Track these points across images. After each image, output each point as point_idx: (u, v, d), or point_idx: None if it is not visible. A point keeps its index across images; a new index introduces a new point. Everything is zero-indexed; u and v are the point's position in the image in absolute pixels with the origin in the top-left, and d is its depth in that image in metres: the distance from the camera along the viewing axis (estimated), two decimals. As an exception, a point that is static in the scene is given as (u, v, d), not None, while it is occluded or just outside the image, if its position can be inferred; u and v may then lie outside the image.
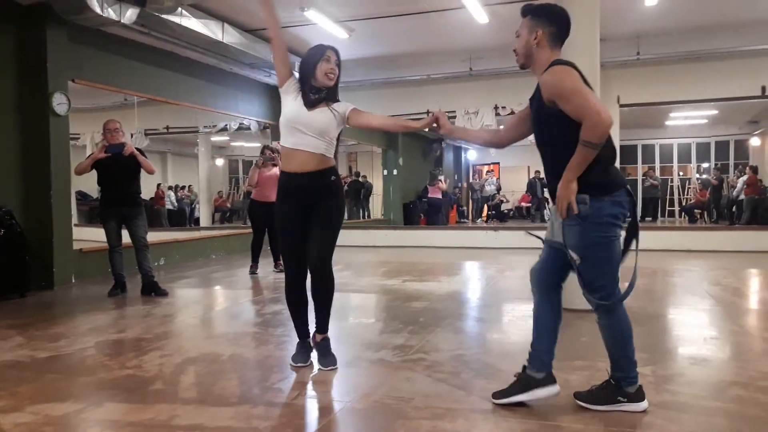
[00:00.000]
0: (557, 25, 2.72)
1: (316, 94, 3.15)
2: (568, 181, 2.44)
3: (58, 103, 6.41)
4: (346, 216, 16.60)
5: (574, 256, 2.54)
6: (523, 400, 2.64)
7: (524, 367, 2.70)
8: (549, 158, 2.63)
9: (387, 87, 10.19)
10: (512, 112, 10.30)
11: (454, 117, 10.66)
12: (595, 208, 2.45)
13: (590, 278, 2.56)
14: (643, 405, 2.57)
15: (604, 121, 2.40)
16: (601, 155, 2.44)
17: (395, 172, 14.52)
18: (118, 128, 5.66)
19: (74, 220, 7.33)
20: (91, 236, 7.71)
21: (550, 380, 2.66)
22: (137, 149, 5.69)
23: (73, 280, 6.62)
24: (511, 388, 2.68)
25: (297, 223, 3.21)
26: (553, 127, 2.52)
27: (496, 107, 10.31)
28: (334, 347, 3.38)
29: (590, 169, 2.42)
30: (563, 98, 2.46)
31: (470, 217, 17.85)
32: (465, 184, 19.74)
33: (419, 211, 14.65)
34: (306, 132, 3.12)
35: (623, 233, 2.59)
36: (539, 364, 2.66)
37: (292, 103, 3.18)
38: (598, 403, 2.60)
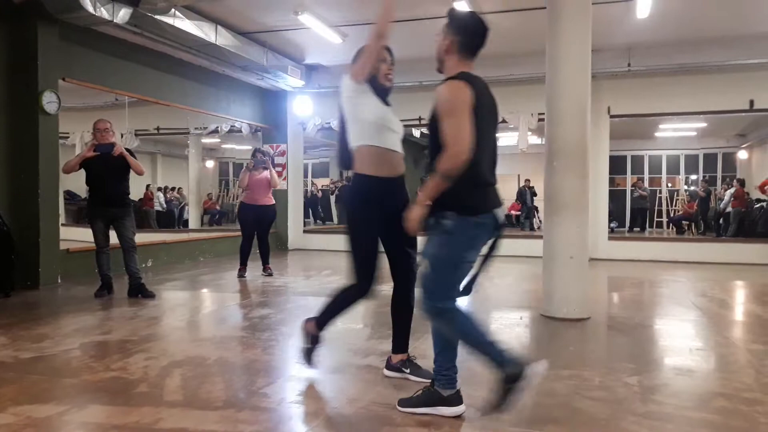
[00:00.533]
0: (466, 36, 2.63)
1: (386, 95, 3.05)
2: (419, 202, 2.46)
3: (48, 101, 6.36)
4: (335, 221, 16.62)
5: (424, 261, 2.58)
6: (426, 413, 2.63)
7: (433, 381, 2.68)
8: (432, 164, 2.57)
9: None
10: (503, 121, 10.35)
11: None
12: (458, 225, 2.45)
13: (430, 286, 2.54)
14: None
15: (458, 157, 2.35)
16: (469, 177, 2.41)
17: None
18: (108, 128, 5.63)
19: (62, 219, 7.26)
20: (78, 236, 7.65)
21: (457, 400, 2.64)
22: (127, 149, 5.67)
23: (59, 281, 6.56)
24: (416, 398, 2.69)
25: (379, 231, 2.95)
26: (436, 137, 2.48)
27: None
28: (323, 352, 3.35)
29: (459, 188, 2.41)
30: (440, 116, 2.45)
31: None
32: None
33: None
34: (396, 131, 3.00)
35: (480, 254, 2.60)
36: (445, 380, 2.64)
37: (376, 101, 2.98)
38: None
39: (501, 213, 2.61)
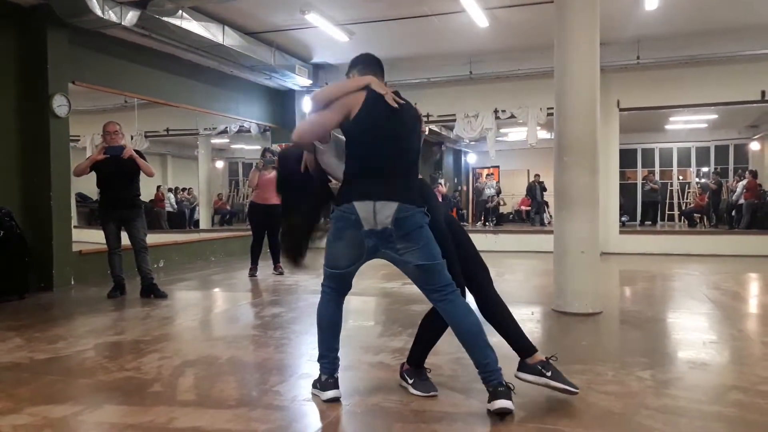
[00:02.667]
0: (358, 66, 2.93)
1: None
2: None
3: (59, 104, 6.41)
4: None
5: None
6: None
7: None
8: None
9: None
10: (512, 116, 10.32)
11: (454, 120, 10.67)
12: (333, 214, 2.76)
13: None
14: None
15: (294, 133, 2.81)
16: (345, 172, 2.73)
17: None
18: (117, 130, 5.66)
19: (74, 221, 7.32)
20: (90, 238, 7.70)
21: (329, 386, 2.81)
22: (136, 151, 5.70)
23: (73, 282, 6.61)
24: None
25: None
26: None
27: (495, 111, 10.31)
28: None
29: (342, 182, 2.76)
30: None
31: (470, 220, 17.83)
32: (465, 188, 19.73)
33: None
34: None
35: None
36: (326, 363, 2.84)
37: None
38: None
39: (380, 210, 2.58)
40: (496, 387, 2.55)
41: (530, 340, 2.82)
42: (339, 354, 2.88)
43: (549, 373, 2.69)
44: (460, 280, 2.75)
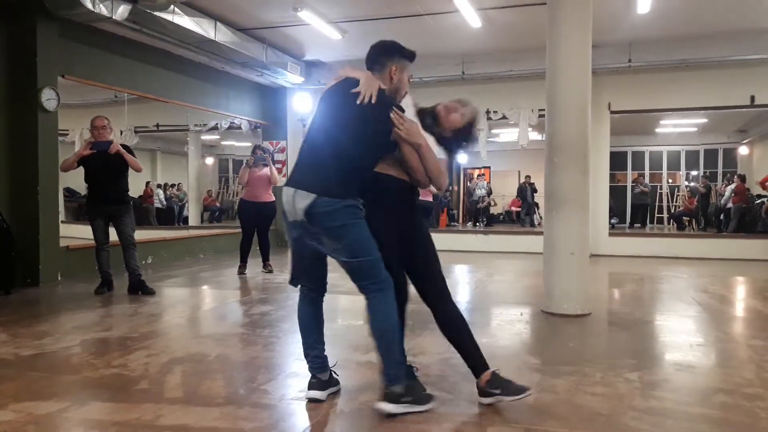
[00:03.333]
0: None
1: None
2: None
3: (48, 98, 6.35)
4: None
5: None
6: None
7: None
8: None
9: (380, 89, 10.23)
10: (504, 117, 10.34)
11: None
12: None
13: None
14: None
15: None
16: None
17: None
18: (105, 125, 5.62)
19: (62, 217, 7.25)
20: (78, 233, 7.64)
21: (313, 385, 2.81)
22: (125, 147, 5.66)
23: (59, 278, 6.56)
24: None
25: None
26: None
27: (487, 111, 10.32)
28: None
29: None
30: None
31: (461, 220, 17.86)
32: (456, 188, 19.76)
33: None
34: None
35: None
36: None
37: None
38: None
39: (298, 200, 2.53)
40: (384, 389, 2.60)
41: (482, 357, 2.74)
42: (325, 354, 2.85)
43: (498, 391, 2.64)
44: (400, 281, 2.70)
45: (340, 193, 2.51)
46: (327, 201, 2.48)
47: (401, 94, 2.82)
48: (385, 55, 2.74)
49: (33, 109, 6.28)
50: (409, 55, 2.80)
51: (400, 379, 2.59)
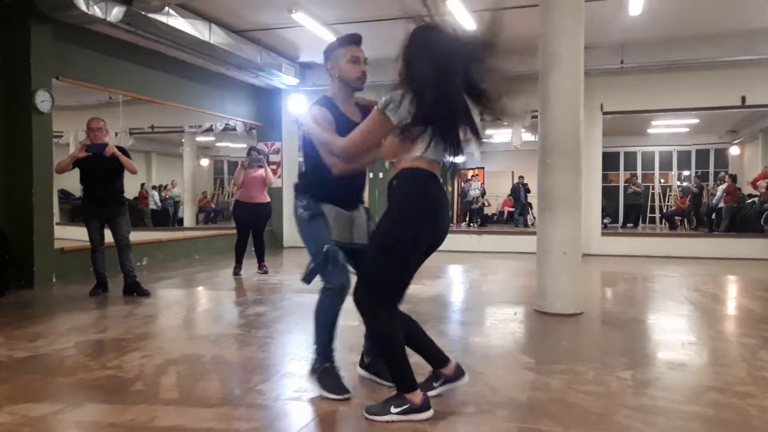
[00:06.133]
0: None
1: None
2: None
3: (42, 100, 6.34)
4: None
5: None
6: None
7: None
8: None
9: (374, 90, 10.21)
10: (497, 118, 10.35)
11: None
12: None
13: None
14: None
15: None
16: None
17: (381, 175, 14.55)
18: (101, 127, 5.61)
19: (56, 218, 7.25)
20: (73, 235, 7.63)
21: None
22: (120, 148, 5.65)
23: (54, 280, 6.54)
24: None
25: None
26: None
27: (481, 112, 10.35)
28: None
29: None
30: None
31: (455, 221, 17.90)
32: (450, 188, 19.81)
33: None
34: None
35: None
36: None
37: None
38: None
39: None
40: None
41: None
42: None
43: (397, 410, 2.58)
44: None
45: (298, 192, 2.89)
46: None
47: (353, 78, 2.92)
48: (324, 61, 2.96)
49: (27, 110, 6.27)
50: (341, 43, 2.92)
51: (319, 358, 2.89)
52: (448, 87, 2.42)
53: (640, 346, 4.05)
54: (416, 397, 2.54)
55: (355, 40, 2.95)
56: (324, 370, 2.87)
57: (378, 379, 3.02)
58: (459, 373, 2.78)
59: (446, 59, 2.44)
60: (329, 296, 2.84)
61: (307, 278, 2.81)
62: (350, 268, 2.90)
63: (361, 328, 3.74)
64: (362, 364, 3.15)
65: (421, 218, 2.50)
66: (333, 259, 2.77)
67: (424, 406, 2.54)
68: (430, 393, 2.67)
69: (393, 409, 2.53)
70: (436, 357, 2.77)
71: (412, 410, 2.53)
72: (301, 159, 3.06)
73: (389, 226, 2.52)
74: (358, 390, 2.96)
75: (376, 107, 2.48)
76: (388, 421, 2.52)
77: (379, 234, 2.58)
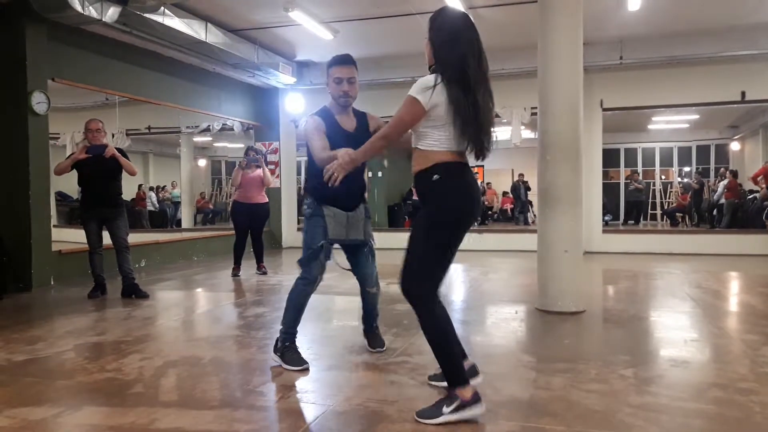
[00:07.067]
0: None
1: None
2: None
3: (38, 102, 6.31)
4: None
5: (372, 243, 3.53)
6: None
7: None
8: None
9: (371, 88, 10.17)
10: (496, 115, 10.33)
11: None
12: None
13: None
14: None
15: None
16: None
17: (380, 174, 14.52)
18: (100, 128, 5.59)
19: (53, 220, 7.22)
20: (70, 237, 7.61)
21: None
22: (119, 150, 5.63)
23: (52, 282, 6.52)
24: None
25: None
26: None
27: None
28: (317, 350, 3.34)
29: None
30: None
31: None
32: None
33: (404, 213, 14.65)
34: None
35: None
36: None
37: None
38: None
39: None
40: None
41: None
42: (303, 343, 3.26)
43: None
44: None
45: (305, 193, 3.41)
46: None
47: (335, 96, 3.27)
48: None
49: (23, 112, 6.24)
50: (329, 63, 3.31)
51: (284, 337, 3.35)
52: (470, 59, 2.54)
53: (642, 343, 4.03)
54: (467, 392, 2.48)
55: (340, 60, 3.26)
56: (286, 348, 3.32)
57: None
58: (472, 372, 2.79)
59: (463, 32, 2.60)
60: (304, 284, 3.32)
61: (301, 262, 3.33)
62: (338, 263, 3.45)
63: (361, 328, 3.73)
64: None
65: (462, 208, 2.59)
66: (317, 256, 3.27)
67: (475, 400, 2.48)
68: (435, 383, 2.89)
69: (445, 409, 2.46)
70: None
71: (464, 406, 2.46)
72: (300, 159, 3.21)
73: (436, 218, 2.57)
74: (358, 390, 2.94)
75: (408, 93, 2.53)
76: (442, 423, 2.44)
77: (427, 226, 2.58)
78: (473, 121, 2.49)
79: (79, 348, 3.86)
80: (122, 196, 5.83)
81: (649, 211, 16.79)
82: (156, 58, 8.38)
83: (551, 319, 4.67)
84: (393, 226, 14.61)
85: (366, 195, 3.52)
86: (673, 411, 2.65)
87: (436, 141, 2.54)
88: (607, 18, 7.89)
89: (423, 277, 2.55)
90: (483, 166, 19.01)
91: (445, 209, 2.55)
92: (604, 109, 9.84)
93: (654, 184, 17.44)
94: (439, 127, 2.52)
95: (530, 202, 15.86)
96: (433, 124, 2.53)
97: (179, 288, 6.72)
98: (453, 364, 2.52)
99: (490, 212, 17.14)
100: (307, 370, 3.23)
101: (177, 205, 14.68)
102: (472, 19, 2.66)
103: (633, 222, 15.14)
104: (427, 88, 2.48)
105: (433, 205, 2.57)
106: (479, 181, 17.24)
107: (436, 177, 2.53)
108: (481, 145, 2.56)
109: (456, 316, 4.96)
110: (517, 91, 9.74)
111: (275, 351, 3.38)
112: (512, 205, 16.83)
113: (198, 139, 13.72)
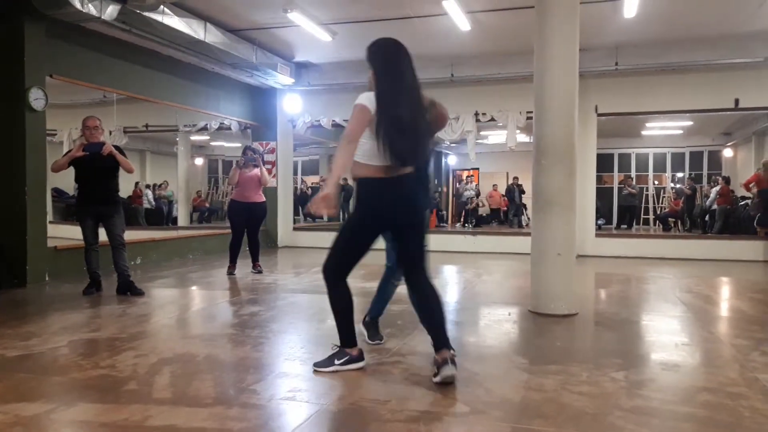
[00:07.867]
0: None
1: None
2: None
3: (35, 98, 6.31)
4: (325, 219, 16.62)
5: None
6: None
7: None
8: None
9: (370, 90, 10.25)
10: (492, 119, 10.39)
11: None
12: None
13: None
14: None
15: None
16: None
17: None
18: (97, 126, 5.60)
19: (49, 217, 7.21)
20: (66, 234, 7.60)
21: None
22: (116, 147, 5.63)
23: (47, 278, 6.51)
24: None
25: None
26: None
27: (476, 113, 10.38)
28: (313, 350, 3.35)
29: None
30: None
31: (450, 221, 17.94)
32: (445, 189, 19.83)
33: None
34: None
35: None
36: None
37: None
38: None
39: None
40: None
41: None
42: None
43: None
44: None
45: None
46: None
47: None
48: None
49: (21, 108, 6.23)
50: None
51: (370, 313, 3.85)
52: (402, 81, 3.12)
53: (633, 347, 4.06)
54: (354, 351, 3.22)
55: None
56: (369, 322, 3.85)
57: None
58: (443, 362, 3.00)
59: (395, 57, 3.19)
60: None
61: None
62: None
63: (355, 328, 3.75)
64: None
65: (370, 216, 3.11)
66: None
67: (359, 357, 3.22)
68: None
69: (336, 361, 3.19)
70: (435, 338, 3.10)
71: (351, 361, 3.20)
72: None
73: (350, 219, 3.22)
74: (351, 390, 2.96)
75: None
76: (332, 371, 3.16)
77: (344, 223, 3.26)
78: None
79: (74, 344, 3.87)
80: (119, 193, 5.83)
81: (642, 216, 16.87)
82: (154, 56, 8.39)
83: (544, 321, 4.70)
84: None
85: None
86: (664, 414, 2.68)
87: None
88: (603, 25, 7.95)
89: (333, 262, 3.14)
90: (478, 168, 19.08)
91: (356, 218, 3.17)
92: (599, 115, 9.90)
93: (647, 189, 17.52)
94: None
95: (524, 205, 15.90)
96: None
97: (174, 286, 6.73)
98: (346, 330, 3.20)
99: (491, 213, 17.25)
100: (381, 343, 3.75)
101: (171, 203, 14.66)
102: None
103: (626, 226, 15.21)
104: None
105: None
106: (474, 184, 17.28)
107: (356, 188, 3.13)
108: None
109: (449, 317, 4.97)
110: (513, 96, 9.80)
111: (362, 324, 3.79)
112: (506, 207, 16.88)
113: (195, 137, 13.70)
